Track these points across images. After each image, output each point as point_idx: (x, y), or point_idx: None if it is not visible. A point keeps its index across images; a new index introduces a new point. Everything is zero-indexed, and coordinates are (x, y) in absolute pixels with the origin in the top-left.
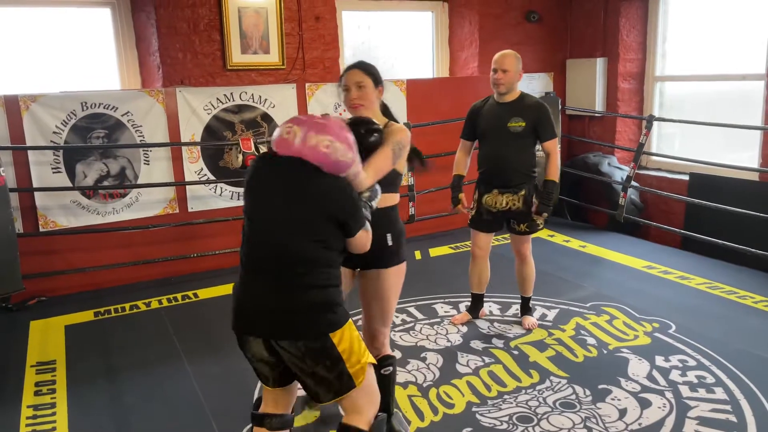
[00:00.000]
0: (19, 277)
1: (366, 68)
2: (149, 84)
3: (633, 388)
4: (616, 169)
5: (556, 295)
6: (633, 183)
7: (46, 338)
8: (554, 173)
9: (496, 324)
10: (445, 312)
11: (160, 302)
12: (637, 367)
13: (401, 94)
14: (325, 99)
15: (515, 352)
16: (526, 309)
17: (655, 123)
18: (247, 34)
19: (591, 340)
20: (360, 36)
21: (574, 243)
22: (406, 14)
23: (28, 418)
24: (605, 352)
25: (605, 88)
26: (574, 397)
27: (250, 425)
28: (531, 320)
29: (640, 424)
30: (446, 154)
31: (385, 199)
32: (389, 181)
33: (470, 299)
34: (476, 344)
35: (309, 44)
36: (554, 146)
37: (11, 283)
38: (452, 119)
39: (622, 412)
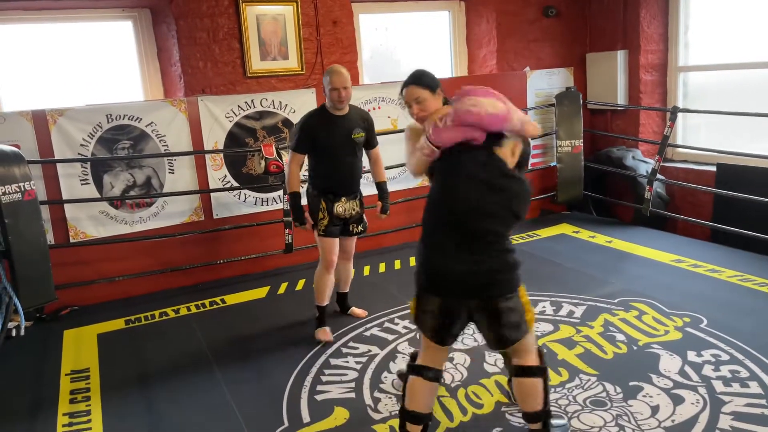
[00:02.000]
0: (52, 288)
1: (419, 82)
2: (171, 94)
3: (665, 385)
4: (641, 162)
5: (583, 292)
6: (658, 176)
7: (80, 347)
8: (384, 175)
9: None
10: None
11: (188, 309)
12: (669, 363)
13: None
14: None
15: (543, 350)
16: (345, 303)
17: (680, 114)
18: (266, 41)
19: (620, 337)
20: (378, 38)
21: (600, 239)
22: (423, 15)
23: (64, 425)
24: (635, 348)
25: (627, 81)
26: (604, 394)
27: (405, 371)
28: (358, 310)
29: (673, 421)
30: None
31: None
32: None
33: (318, 314)
34: None
35: (327, 49)
36: (379, 152)
37: (45, 294)
38: None
39: (655, 409)
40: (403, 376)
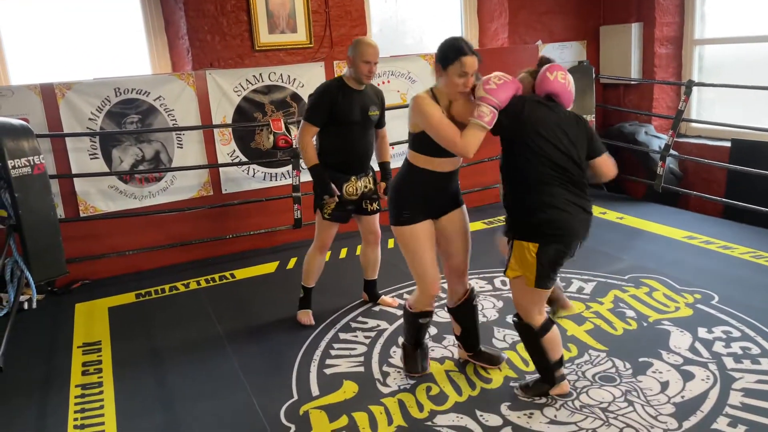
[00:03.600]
0: (63, 262)
1: (476, 53)
2: (179, 68)
3: (675, 361)
4: (654, 137)
5: (593, 268)
6: (672, 151)
7: (91, 320)
8: (389, 154)
9: None
10: (480, 287)
11: (198, 283)
12: (679, 340)
13: (431, 68)
14: None
15: None
16: (374, 292)
17: (695, 89)
18: (274, 14)
19: (630, 313)
20: (387, 10)
21: (611, 215)
22: None
23: (76, 397)
24: (645, 324)
25: (641, 55)
26: (614, 370)
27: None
28: (389, 299)
29: (683, 397)
30: None
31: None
32: None
33: (303, 294)
34: (512, 319)
35: (336, 21)
36: (386, 131)
37: (56, 268)
38: None
39: (664, 385)
40: (406, 347)
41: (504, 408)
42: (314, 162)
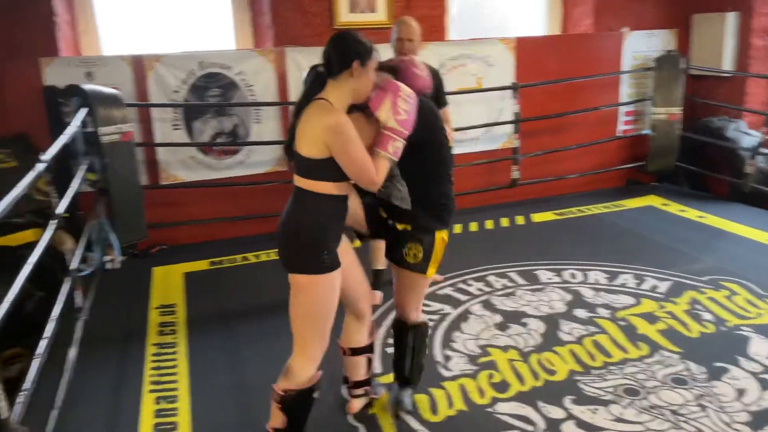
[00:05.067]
0: (144, 226)
1: None
2: (261, 44)
3: (754, 369)
4: (744, 134)
5: (669, 267)
6: (763, 150)
7: (167, 283)
8: (451, 139)
9: (602, 293)
10: (548, 279)
11: (268, 255)
12: (760, 347)
13: (509, 53)
14: (431, 58)
15: (622, 323)
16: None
17: None
18: None
19: (707, 316)
20: None
21: (691, 213)
22: None
23: (153, 354)
24: (723, 329)
25: (736, 46)
26: (686, 373)
27: None
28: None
29: (759, 406)
30: (555, 116)
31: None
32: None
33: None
34: (580, 313)
35: (416, 2)
36: (449, 112)
37: (137, 232)
38: (562, 79)
39: (741, 393)
40: None
41: (568, 401)
42: None
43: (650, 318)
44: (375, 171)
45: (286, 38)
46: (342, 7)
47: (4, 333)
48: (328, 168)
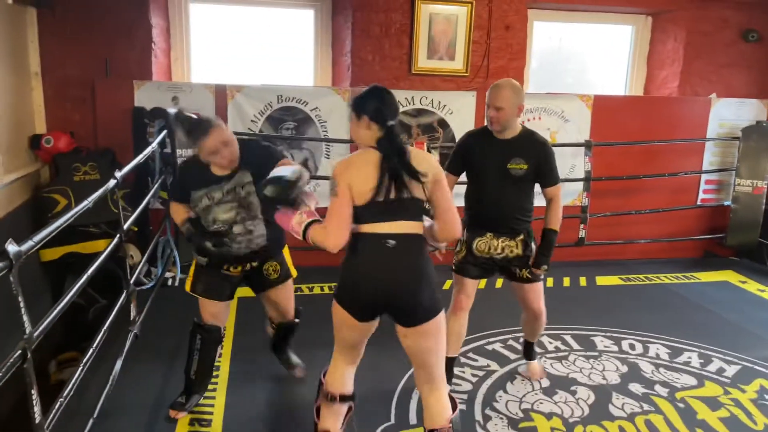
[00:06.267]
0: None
1: None
2: (338, 83)
3: None
4: None
5: (739, 350)
6: None
7: None
8: (556, 222)
9: (662, 370)
10: (605, 346)
11: (321, 288)
12: None
13: (586, 110)
14: None
15: (680, 405)
16: (529, 353)
17: None
18: (435, 40)
19: None
20: (550, 46)
21: None
22: (602, 27)
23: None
24: None
25: None
26: None
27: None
28: (535, 366)
29: None
30: (628, 178)
31: None
32: None
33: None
34: (636, 387)
35: (495, 53)
36: (558, 191)
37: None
38: (639, 141)
39: None
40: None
41: None
42: None
43: (712, 403)
44: None
45: (363, 80)
46: (421, 53)
47: (66, 336)
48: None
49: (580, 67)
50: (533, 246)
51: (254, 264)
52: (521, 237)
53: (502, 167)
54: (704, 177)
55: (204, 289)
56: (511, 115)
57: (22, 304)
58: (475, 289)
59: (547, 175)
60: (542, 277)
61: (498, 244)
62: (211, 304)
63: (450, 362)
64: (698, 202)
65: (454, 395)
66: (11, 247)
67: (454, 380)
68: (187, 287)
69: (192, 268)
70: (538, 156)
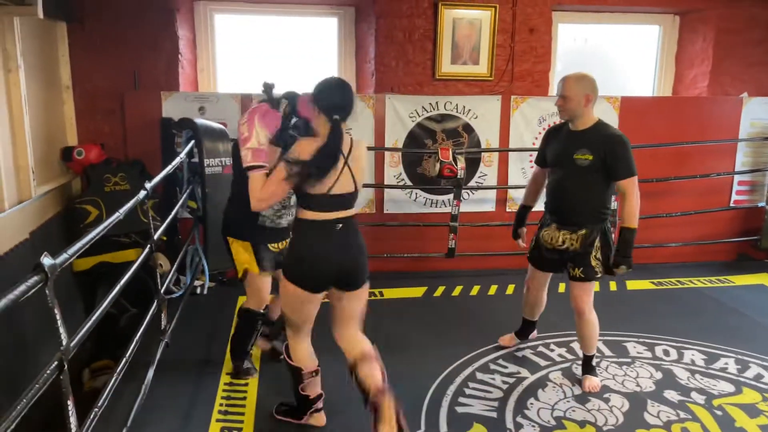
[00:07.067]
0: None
1: None
2: (362, 89)
3: None
4: None
5: None
6: None
7: None
8: (631, 218)
9: (698, 376)
10: (638, 353)
11: None
12: None
13: (613, 112)
14: (530, 113)
15: (718, 413)
16: (587, 368)
17: None
18: (459, 45)
19: None
20: (575, 48)
21: None
22: (628, 28)
23: (225, 384)
24: None
25: None
26: None
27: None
28: (593, 381)
29: None
30: (658, 180)
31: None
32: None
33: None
34: (671, 395)
35: (520, 56)
36: (631, 186)
37: (227, 261)
38: (668, 143)
39: None
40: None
41: None
42: (522, 202)
43: (751, 410)
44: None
45: (388, 85)
46: (445, 58)
47: (99, 344)
48: None
49: (607, 68)
50: (598, 244)
51: (286, 241)
52: (583, 232)
53: (569, 157)
54: (737, 178)
55: (270, 266)
56: (577, 105)
57: (58, 316)
58: (545, 282)
59: (614, 168)
60: (599, 275)
61: (559, 236)
62: (267, 281)
63: None
64: (731, 204)
65: (483, 403)
66: (46, 260)
67: (486, 388)
68: (255, 269)
69: (245, 255)
70: (605, 147)
